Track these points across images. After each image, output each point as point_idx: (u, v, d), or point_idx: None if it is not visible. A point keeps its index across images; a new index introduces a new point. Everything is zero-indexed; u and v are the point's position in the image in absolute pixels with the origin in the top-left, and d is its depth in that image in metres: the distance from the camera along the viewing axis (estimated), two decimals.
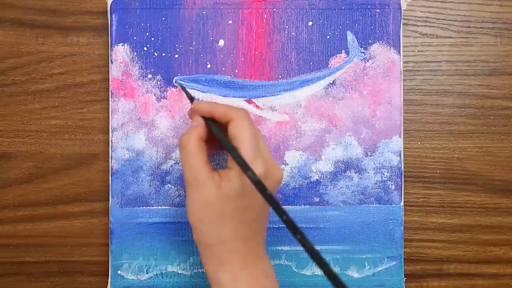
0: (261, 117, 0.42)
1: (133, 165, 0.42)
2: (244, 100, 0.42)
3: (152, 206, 0.42)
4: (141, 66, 0.42)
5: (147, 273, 0.42)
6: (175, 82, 0.41)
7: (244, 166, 0.31)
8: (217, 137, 0.33)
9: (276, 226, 0.42)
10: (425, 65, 0.44)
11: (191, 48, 0.42)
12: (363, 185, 0.42)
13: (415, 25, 0.44)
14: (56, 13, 0.44)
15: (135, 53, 0.42)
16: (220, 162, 0.41)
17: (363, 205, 0.42)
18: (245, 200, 0.32)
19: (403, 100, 0.42)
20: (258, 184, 0.30)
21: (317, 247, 0.41)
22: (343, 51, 0.42)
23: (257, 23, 0.42)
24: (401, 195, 0.42)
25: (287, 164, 0.42)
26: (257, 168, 0.31)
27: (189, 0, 0.42)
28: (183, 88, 0.38)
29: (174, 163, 0.42)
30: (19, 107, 0.43)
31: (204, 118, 0.35)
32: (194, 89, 0.42)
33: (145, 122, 0.42)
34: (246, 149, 0.32)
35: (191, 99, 0.37)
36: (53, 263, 0.43)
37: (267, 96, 0.42)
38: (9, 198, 0.43)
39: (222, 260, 0.33)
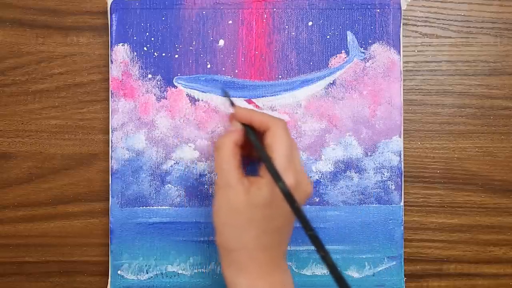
0: None
1: (133, 165, 0.42)
2: (244, 100, 0.42)
3: (152, 206, 0.42)
4: (141, 66, 0.42)
5: (147, 273, 0.42)
6: (219, 88, 0.41)
7: (276, 176, 0.31)
8: (253, 145, 0.33)
9: None
10: (425, 65, 0.44)
11: (191, 48, 0.42)
12: (363, 185, 0.42)
13: (415, 25, 0.44)
14: (56, 13, 0.44)
15: (135, 53, 0.42)
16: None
17: (363, 205, 0.42)
18: (272, 210, 0.32)
19: (403, 100, 0.42)
20: (288, 195, 0.30)
21: None
22: (343, 51, 0.42)
23: (257, 23, 0.42)
24: (401, 195, 0.42)
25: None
26: (288, 179, 0.31)
27: (189, 0, 0.42)
28: (225, 93, 0.38)
29: (174, 163, 0.42)
30: (19, 107, 0.43)
31: (243, 124, 0.35)
32: (194, 89, 0.42)
33: (145, 122, 0.42)
34: (279, 159, 0.32)
35: (232, 104, 0.37)
36: (53, 263, 0.43)
37: (267, 96, 0.42)
38: (9, 198, 0.43)
39: (242, 266, 0.33)
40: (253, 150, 0.36)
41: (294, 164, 0.33)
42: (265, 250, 0.33)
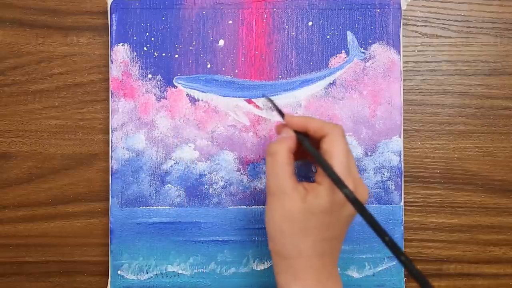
0: (261, 117, 0.42)
1: (133, 165, 0.42)
2: (244, 100, 0.42)
3: (152, 206, 0.42)
4: (141, 66, 0.42)
5: (147, 273, 0.42)
6: (265, 98, 0.41)
7: (340, 184, 0.30)
8: (310, 152, 0.33)
9: None
10: (425, 65, 0.44)
11: (191, 48, 0.42)
12: None
13: (415, 25, 0.44)
14: (56, 13, 0.44)
15: (135, 53, 0.42)
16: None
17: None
18: (330, 217, 0.32)
19: (403, 100, 0.42)
20: (356, 202, 0.30)
21: None
22: (343, 51, 0.42)
23: (257, 23, 0.42)
24: (401, 195, 0.42)
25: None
26: (348, 186, 0.31)
27: (189, 0, 0.42)
28: (272, 103, 0.37)
29: (174, 163, 0.42)
30: (19, 107, 0.43)
31: (296, 132, 0.34)
32: (194, 89, 0.42)
33: (145, 122, 0.42)
34: (338, 166, 0.32)
35: (282, 114, 0.36)
36: (53, 263, 0.43)
37: (267, 96, 0.42)
38: (9, 198, 0.43)
39: (297, 274, 0.32)
40: (304, 157, 0.36)
41: (352, 170, 0.33)
42: (321, 257, 0.32)
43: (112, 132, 0.42)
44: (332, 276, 0.33)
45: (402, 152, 0.42)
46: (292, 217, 0.32)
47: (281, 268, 0.33)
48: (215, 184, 0.42)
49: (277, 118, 0.42)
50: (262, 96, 0.42)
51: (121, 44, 0.42)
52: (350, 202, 0.30)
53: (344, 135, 0.34)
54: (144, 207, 0.42)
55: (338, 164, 0.32)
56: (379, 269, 0.42)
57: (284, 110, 0.41)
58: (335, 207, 0.32)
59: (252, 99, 0.42)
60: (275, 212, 0.32)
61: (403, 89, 0.43)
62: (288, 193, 0.32)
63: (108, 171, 0.42)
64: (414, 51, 0.44)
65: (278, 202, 0.32)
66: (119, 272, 0.42)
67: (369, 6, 0.42)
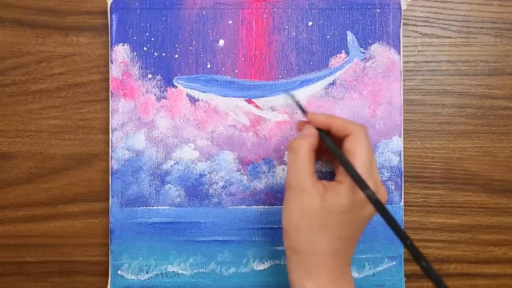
0: (261, 117, 0.42)
1: (133, 165, 0.42)
2: (244, 100, 0.42)
3: (152, 206, 0.42)
4: (141, 66, 0.42)
5: (147, 273, 0.42)
6: (289, 95, 0.41)
7: (362, 184, 0.30)
8: (331, 150, 0.33)
9: (276, 226, 0.42)
10: (425, 65, 0.44)
11: (191, 48, 0.42)
12: None
13: (415, 25, 0.44)
14: (56, 13, 0.44)
15: (135, 53, 0.42)
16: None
17: None
18: (348, 217, 0.32)
19: (403, 100, 0.42)
20: (378, 204, 0.30)
21: None
22: (343, 51, 0.42)
23: (257, 23, 0.42)
24: (401, 195, 0.42)
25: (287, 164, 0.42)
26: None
27: (189, 0, 0.42)
28: (294, 99, 0.37)
29: (174, 163, 0.42)
30: (19, 107, 0.43)
31: (318, 129, 0.34)
32: (194, 89, 0.42)
33: (145, 122, 0.42)
34: (361, 166, 0.32)
35: (304, 110, 0.35)
36: (53, 263, 0.43)
37: (267, 96, 0.42)
38: (9, 198, 0.43)
39: (311, 271, 0.32)
40: (323, 155, 0.36)
41: (373, 171, 0.33)
42: (335, 255, 0.32)
43: (112, 132, 0.42)
44: (345, 275, 0.33)
45: (402, 152, 0.42)
46: (310, 214, 0.32)
47: (294, 265, 0.33)
48: (215, 184, 0.42)
49: (277, 118, 0.42)
50: (284, 93, 0.41)
51: (121, 44, 0.42)
52: (371, 203, 0.30)
53: (368, 135, 0.34)
54: (144, 207, 0.42)
55: (360, 164, 0.32)
56: (379, 269, 0.42)
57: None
58: (354, 206, 0.32)
59: (252, 99, 0.42)
60: (293, 208, 0.32)
61: (403, 89, 0.43)
62: (307, 190, 0.32)
63: (108, 171, 0.42)
64: (414, 51, 0.44)
65: (297, 199, 0.32)
66: (119, 272, 0.42)
67: (369, 6, 0.42)
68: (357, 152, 0.32)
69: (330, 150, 0.33)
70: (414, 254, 0.28)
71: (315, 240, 0.32)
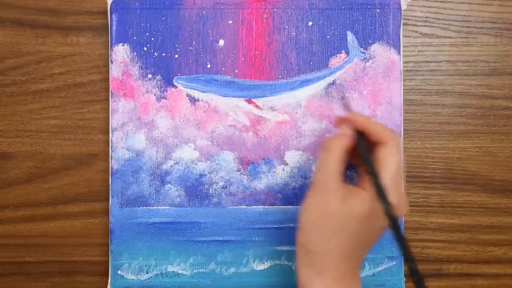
0: (261, 117, 0.42)
1: (133, 165, 0.42)
2: (244, 100, 0.42)
3: (152, 206, 0.42)
4: (141, 66, 0.42)
5: (147, 273, 0.42)
6: (339, 89, 0.40)
7: (384, 198, 0.30)
8: (363, 157, 0.33)
9: (276, 226, 0.42)
10: (425, 65, 0.44)
11: (191, 48, 0.42)
12: None
13: (415, 25, 0.44)
14: (56, 13, 0.44)
15: (135, 53, 0.42)
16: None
17: None
18: (367, 224, 0.32)
19: (403, 100, 0.42)
20: (392, 220, 0.30)
21: None
22: (343, 51, 0.42)
23: (257, 23, 0.42)
24: None
25: (287, 164, 0.42)
26: (391, 200, 0.31)
27: (189, 0, 0.42)
28: (344, 95, 0.37)
29: (174, 163, 0.42)
30: (19, 107, 0.43)
31: (355, 131, 0.34)
32: (194, 89, 0.42)
33: (145, 122, 0.42)
34: (388, 178, 0.31)
35: (348, 108, 0.35)
36: (53, 263, 0.43)
37: (267, 96, 0.42)
38: (9, 198, 0.43)
39: (321, 271, 0.32)
40: (353, 157, 0.35)
41: (398, 184, 0.32)
42: (348, 259, 0.32)
43: (112, 132, 0.42)
44: (355, 278, 0.33)
45: (402, 152, 0.42)
46: (329, 214, 0.32)
47: (304, 262, 0.33)
48: (215, 184, 0.42)
49: (277, 118, 0.42)
50: (338, 91, 0.41)
51: (121, 44, 0.42)
52: (388, 219, 0.30)
53: (400, 145, 0.33)
54: (144, 207, 0.42)
55: (388, 176, 0.32)
56: (379, 269, 0.42)
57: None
58: (374, 215, 0.32)
59: (252, 99, 0.42)
60: (314, 206, 0.32)
61: (403, 89, 0.43)
62: (331, 190, 0.32)
63: (108, 171, 0.42)
64: (414, 51, 0.44)
65: (319, 196, 0.32)
66: (119, 272, 0.42)
67: (369, 6, 0.42)
68: (387, 163, 0.32)
69: (360, 155, 0.33)
70: (418, 279, 0.29)
71: (330, 241, 0.32)
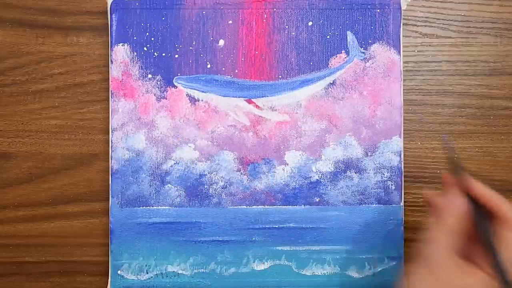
0: (261, 117, 0.42)
1: (133, 165, 0.42)
2: (244, 100, 0.42)
3: (152, 206, 0.42)
4: (141, 66, 0.42)
5: (147, 273, 0.42)
6: (444, 140, 0.39)
7: (504, 281, 0.28)
8: (482, 234, 0.30)
9: (276, 226, 0.42)
10: (425, 65, 0.44)
11: (191, 48, 0.42)
12: (363, 185, 0.42)
13: (415, 25, 0.44)
14: (56, 13, 0.44)
15: (135, 53, 0.42)
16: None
17: (363, 205, 0.42)
18: None
19: (403, 100, 0.42)
20: None
21: (317, 247, 0.42)
22: (343, 51, 0.42)
23: (257, 23, 0.42)
24: (401, 195, 0.42)
25: (287, 164, 0.42)
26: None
27: (189, 0, 0.42)
28: (451, 149, 0.34)
29: (174, 163, 0.42)
30: (19, 107, 0.43)
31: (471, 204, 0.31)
32: (194, 89, 0.42)
33: (145, 122, 0.42)
34: (508, 259, 0.29)
35: (459, 170, 0.32)
36: (53, 263, 0.43)
37: (267, 96, 0.42)
38: (9, 198, 0.43)
39: None
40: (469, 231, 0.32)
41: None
42: None
43: (112, 132, 0.42)
44: None
45: (402, 152, 0.42)
46: None
47: None
48: (215, 184, 0.42)
49: (277, 118, 0.42)
50: (444, 140, 0.40)
51: (121, 44, 0.42)
52: None
53: None
54: (144, 207, 0.42)
55: (508, 256, 0.29)
56: (379, 269, 0.42)
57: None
58: None
59: (252, 99, 0.42)
60: (427, 282, 0.30)
61: (403, 89, 0.43)
62: (447, 267, 0.29)
63: (108, 171, 0.42)
64: (414, 51, 0.44)
65: (433, 273, 0.30)
66: (119, 272, 0.42)
67: (369, 6, 0.42)
68: (509, 246, 0.29)
69: (478, 229, 0.30)
70: None
71: None
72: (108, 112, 0.42)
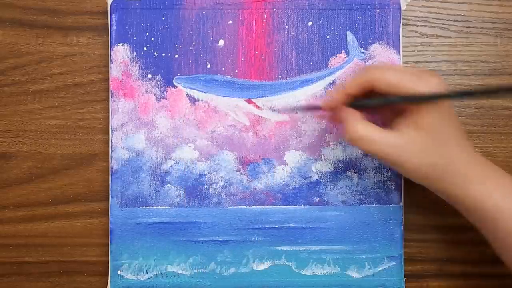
0: (261, 117, 0.42)
1: (133, 165, 0.42)
2: (244, 100, 0.42)
3: (152, 206, 0.42)
4: (141, 66, 0.42)
5: (147, 273, 0.42)
6: (290, 107, 0.41)
7: (426, 98, 0.32)
8: (376, 105, 0.35)
9: (276, 226, 0.42)
10: (425, 65, 0.44)
11: (191, 48, 0.42)
12: (363, 185, 0.42)
13: (415, 25, 0.44)
14: (56, 13, 0.44)
15: (135, 53, 0.42)
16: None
17: (363, 205, 0.42)
18: (439, 130, 0.34)
19: None
20: (442, 96, 0.32)
21: (317, 247, 0.42)
22: (343, 51, 0.42)
23: (257, 23, 0.42)
24: (401, 195, 0.42)
25: (287, 164, 0.42)
26: (432, 78, 0.33)
27: (189, 0, 0.42)
28: (298, 108, 0.40)
29: (174, 163, 0.42)
30: (19, 107, 0.43)
31: (352, 105, 0.35)
32: (194, 89, 0.42)
33: (145, 122, 0.42)
34: (394, 78, 0.33)
35: (316, 106, 0.38)
36: (53, 263, 0.43)
37: (267, 96, 0.42)
38: (9, 198, 0.43)
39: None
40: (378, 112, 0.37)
41: (405, 72, 0.34)
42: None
43: (112, 132, 0.42)
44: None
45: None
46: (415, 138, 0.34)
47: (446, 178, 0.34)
48: (215, 184, 0.42)
49: (277, 118, 0.42)
50: (294, 110, 0.42)
51: (121, 44, 0.42)
52: (443, 98, 0.32)
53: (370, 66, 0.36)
54: (144, 207, 0.42)
55: (391, 77, 0.33)
56: (379, 269, 0.42)
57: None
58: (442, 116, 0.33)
59: (252, 99, 0.42)
60: (389, 148, 0.34)
61: None
62: (378, 132, 0.34)
63: (108, 171, 0.42)
64: (414, 51, 0.44)
65: (376, 140, 0.34)
66: (119, 272, 0.42)
67: (369, 6, 0.42)
68: (384, 77, 0.33)
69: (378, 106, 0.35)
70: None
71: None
72: (108, 112, 0.42)
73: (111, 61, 0.42)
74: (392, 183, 0.42)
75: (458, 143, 0.34)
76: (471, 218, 0.36)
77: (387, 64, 0.36)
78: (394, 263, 0.42)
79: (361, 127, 0.34)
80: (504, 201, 0.33)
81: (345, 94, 0.35)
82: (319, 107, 0.37)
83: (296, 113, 0.38)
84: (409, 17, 0.44)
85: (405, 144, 0.33)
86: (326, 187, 0.42)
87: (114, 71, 0.42)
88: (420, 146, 0.33)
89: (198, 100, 0.42)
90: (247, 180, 0.42)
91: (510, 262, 0.34)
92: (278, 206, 0.42)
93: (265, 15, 0.42)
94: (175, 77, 0.42)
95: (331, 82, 0.42)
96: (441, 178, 0.34)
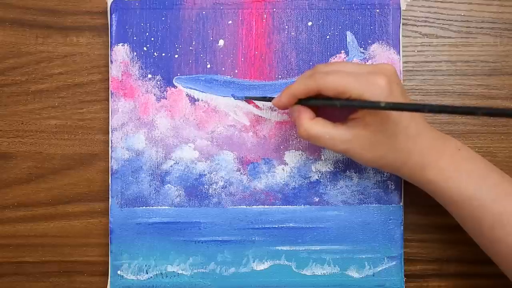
0: (261, 117, 0.42)
1: (133, 165, 0.42)
2: (244, 100, 0.42)
3: (152, 206, 0.42)
4: (141, 66, 0.42)
5: (147, 273, 0.42)
6: (243, 99, 0.42)
7: (371, 104, 0.33)
8: (325, 104, 0.36)
9: (276, 226, 0.42)
10: (425, 65, 0.44)
11: (191, 48, 0.42)
12: (363, 185, 0.42)
13: (415, 25, 0.44)
14: (56, 13, 0.44)
15: (135, 53, 0.42)
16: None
17: (363, 205, 0.42)
18: (381, 128, 0.35)
19: None
20: (395, 106, 0.32)
21: (317, 247, 0.42)
22: (342, 51, 0.42)
23: (257, 23, 0.42)
24: (401, 195, 0.42)
25: (287, 164, 0.42)
26: (377, 82, 0.33)
27: (189, 0, 0.42)
28: (250, 99, 0.41)
29: (174, 163, 0.42)
30: (19, 107, 0.43)
31: (300, 102, 0.36)
32: (194, 89, 0.42)
33: (145, 122, 0.42)
34: (351, 82, 0.33)
35: (268, 99, 0.39)
36: (53, 263, 0.43)
37: (267, 96, 0.42)
38: (9, 198, 0.43)
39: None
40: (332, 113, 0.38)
41: (356, 71, 0.35)
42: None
43: (112, 132, 0.42)
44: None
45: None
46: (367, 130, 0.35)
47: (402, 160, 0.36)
48: (214, 184, 0.42)
49: (277, 118, 0.42)
50: (236, 98, 0.42)
51: (121, 44, 0.42)
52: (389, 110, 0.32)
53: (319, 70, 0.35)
54: (144, 207, 0.42)
55: (340, 79, 0.34)
56: (379, 269, 0.42)
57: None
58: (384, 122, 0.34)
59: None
60: (352, 137, 0.35)
61: None
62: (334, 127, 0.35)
63: (108, 171, 0.42)
64: (414, 51, 0.44)
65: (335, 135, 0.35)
66: (119, 272, 0.42)
67: (368, 6, 0.42)
68: (335, 82, 0.34)
69: (329, 106, 0.36)
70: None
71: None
72: (108, 112, 0.42)
73: (111, 61, 0.42)
74: (392, 183, 0.42)
75: (407, 132, 0.34)
76: (440, 202, 0.38)
77: (334, 66, 0.36)
78: (394, 263, 0.42)
79: (311, 125, 0.35)
80: (461, 181, 0.35)
81: (293, 96, 0.36)
82: (269, 99, 0.39)
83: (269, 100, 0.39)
84: (409, 17, 0.44)
85: (355, 139, 0.35)
86: (326, 187, 0.42)
87: (114, 71, 0.42)
88: (370, 140, 0.35)
89: (198, 100, 0.42)
90: (247, 180, 0.42)
91: (472, 236, 0.37)
92: (278, 206, 0.42)
93: (265, 15, 0.42)
94: (175, 77, 0.42)
95: None
96: (399, 168, 0.36)
